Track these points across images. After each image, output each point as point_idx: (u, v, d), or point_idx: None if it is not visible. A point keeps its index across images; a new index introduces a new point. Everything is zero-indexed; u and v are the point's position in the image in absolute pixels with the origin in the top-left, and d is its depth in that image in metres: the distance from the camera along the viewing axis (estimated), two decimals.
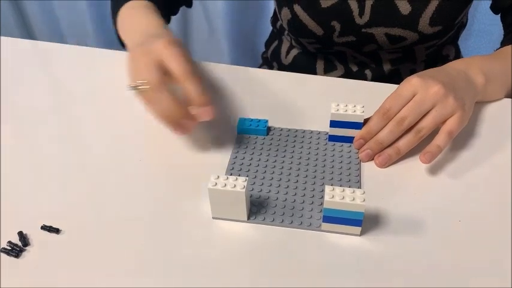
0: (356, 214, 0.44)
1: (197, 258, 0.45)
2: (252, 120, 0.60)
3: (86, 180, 0.54)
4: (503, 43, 0.73)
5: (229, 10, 1.44)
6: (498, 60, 0.65)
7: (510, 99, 0.66)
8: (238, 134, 0.60)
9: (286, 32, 0.87)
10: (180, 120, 0.51)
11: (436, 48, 0.81)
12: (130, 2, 0.71)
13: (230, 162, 0.56)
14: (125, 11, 0.71)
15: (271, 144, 0.58)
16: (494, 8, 0.76)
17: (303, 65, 0.87)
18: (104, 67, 0.75)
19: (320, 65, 0.85)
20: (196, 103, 0.51)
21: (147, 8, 0.69)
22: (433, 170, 0.54)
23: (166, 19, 0.79)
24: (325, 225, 0.46)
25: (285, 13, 0.77)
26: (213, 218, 0.49)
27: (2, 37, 0.82)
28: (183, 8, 0.85)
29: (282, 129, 0.61)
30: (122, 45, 0.77)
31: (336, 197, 0.43)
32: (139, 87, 0.51)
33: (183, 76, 0.51)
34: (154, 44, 0.53)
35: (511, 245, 0.46)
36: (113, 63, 0.76)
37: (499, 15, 0.77)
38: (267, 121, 0.60)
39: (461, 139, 0.58)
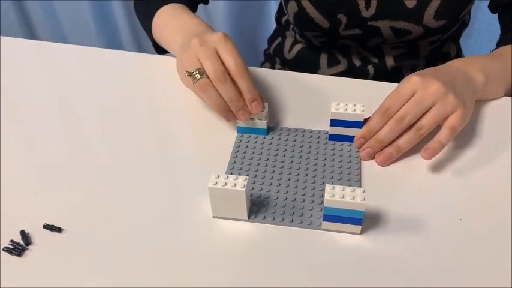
0: (356, 213, 0.44)
1: (198, 257, 0.45)
2: None
3: (87, 180, 0.54)
4: (500, 42, 0.73)
5: (230, 9, 1.44)
6: (497, 59, 0.65)
7: (510, 97, 0.66)
8: (238, 133, 0.60)
9: (291, 27, 0.88)
10: (238, 109, 0.56)
11: (438, 45, 0.81)
12: (165, 6, 0.73)
13: (230, 161, 0.56)
14: (163, 16, 0.73)
15: (271, 143, 0.59)
16: (492, 7, 0.77)
17: (307, 60, 0.88)
18: (105, 67, 0.75)
19: (324, 59, 0.86)
20: (248, 97, 0.56)
21: (188, 11, 0.72)
22: (434, 169, 0.54)
23: None
24: (326, 224, 0.47)
25: (292, 6, 0.78)
26: (214, 217, 0.49)
27: (3, 37, 0.82)
28: None
29: (282, 129, 0.61)
30: (157, 50, 0.78)
31: (336, 195, 0.44)
32: (196, 74, 0.55)
33: (239, 72, 0.55)
34: (211, 36, 0.57)
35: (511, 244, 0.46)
36: (115, 64, 0.76)
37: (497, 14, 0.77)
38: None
39: (462, 138, 0.58)
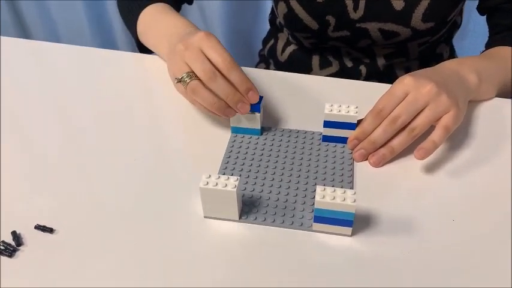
0: (347, 214, 0.44)
1: (188, 256, 0.45)
2: None
3: (80, 180, 0.54)
4: (489, 45, 0.73)
5: (225, 10, 1.44)
6: (489, 60, 0.66)
7: (506, 99, 0.66)
8: (232, 133, 0.60)
9: (284, 28, 0.88)
10: (236, 103, 0.55)
11: (430, 46, 0.82)
12: (149, 7, 0.73)
13: (223, 161, 0.56)
14: (147, 17, 0.73)
15: (265, 144, 0.59)
16: (481, 9, 0.77)
17: (299, 61, 0.88)
18: (100, 67, 0.75)
19: (316, 60, 0.86)
20: (243, 89, 0.54)
21: (172, 11, 0.71)
22: (427, 170, 0.55)
23: None
24: (316, 225, 0.47)
25: (281, 7, 0.78)
26: (205, 217, 0.49)
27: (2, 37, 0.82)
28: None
29: (276, 129, 0.61)
30: (140, 50, 0.78)
31: (327, 197, 0.44)
32: (186, 78, 0.54)
33: (227, 66, 0.54)
34: (194, 37, 0.56)
35: (511, 244, 0.46)
36: (109, 63, 0.76)
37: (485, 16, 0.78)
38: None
39: (456, 139, 0.58)
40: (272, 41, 0.94)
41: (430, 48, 0.83)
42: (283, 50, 0.90)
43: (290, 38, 0.87)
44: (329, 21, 0.76)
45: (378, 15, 0.74)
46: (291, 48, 0.89)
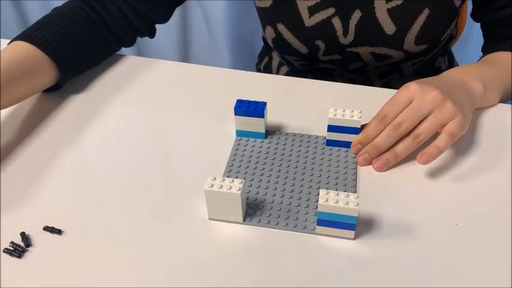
0: (349, 218, 0.45)
1: (192, 258, 0.46)
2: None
3: (87, 182, 0.55)
4: (486, 50, 0.73)
5: (229, 15, 1.45)
6: (493, 67, 0.66)
7: (507, 105, 0.66)
8: (237, 136, 0.61)
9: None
10: None
11: (426, 62, 0.81)
12: (18, 42, 0.64)
13: (228, 164, 0.57)
14: (8, 50, 0.64)
15: (269, 147, 0.59)
16: (475, 16, 0.77)
17: None
18: (103, 69, 0.76)
19: None
20: None
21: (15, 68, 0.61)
22: (431, 175, 0.55)
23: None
24: (319, 229, 0.47)
25: (269, 31, 0.77)
26: (209, 219, 0.50)
27: (2, 39, 0.83)
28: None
29: (280, 133, 0.62)
30: None
31: (330, 200, 0.44)
32: None
33: None
34: None
35: (511, 247, 0.46)
36: (112, 66, 0.77)
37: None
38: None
39: (459, 145, 0.58)
40: (267, 59, 0.94)
41: (426, 64, 0.82)
42: (278, 70, 0.90)
43: (281, 59, 0.87)
44: (318, 45, 0.75)
45: (369, 39, 0.73)
46: (285, 69, 0.88)
